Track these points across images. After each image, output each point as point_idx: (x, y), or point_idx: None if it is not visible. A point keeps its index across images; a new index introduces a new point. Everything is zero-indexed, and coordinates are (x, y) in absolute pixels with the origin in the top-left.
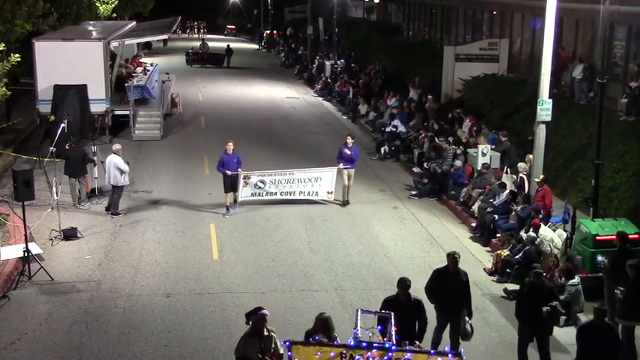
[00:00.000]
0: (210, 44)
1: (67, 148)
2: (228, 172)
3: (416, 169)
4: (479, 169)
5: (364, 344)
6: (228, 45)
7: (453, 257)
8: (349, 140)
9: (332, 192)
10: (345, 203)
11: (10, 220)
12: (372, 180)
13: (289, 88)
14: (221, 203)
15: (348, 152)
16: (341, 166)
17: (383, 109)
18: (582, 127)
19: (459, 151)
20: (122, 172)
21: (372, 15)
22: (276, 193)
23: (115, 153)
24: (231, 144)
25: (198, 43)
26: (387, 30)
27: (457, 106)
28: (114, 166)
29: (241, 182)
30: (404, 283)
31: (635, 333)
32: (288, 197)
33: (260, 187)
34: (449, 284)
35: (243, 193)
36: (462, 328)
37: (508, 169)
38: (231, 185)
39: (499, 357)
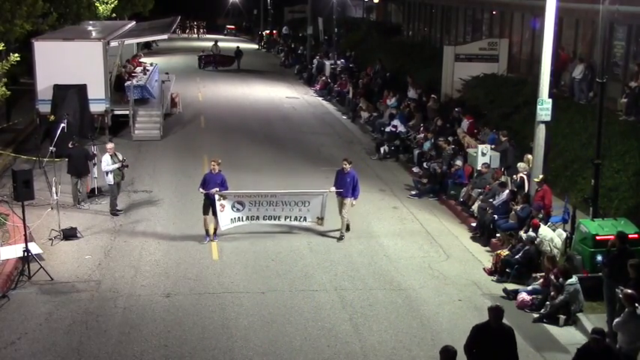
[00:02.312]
0: (210, 44)
1: (69, 146)
2: (202, 191)
3: (415, 169)
4: (479, 169)
5: None
6: (238, 47)
7: (495, 311)
8: (345, 166)
9: (322, 218)
10: (340, 238)
11: (9, 220)
12: (371, 180)
13: (289, 88)
14: None
15: (344, 179)
16: (332, 189)
17: (382, 109)
18: (582, 127)
19: (450, 150)
20: (103, 170)
21: (372, 15)
22: (257, 217)
23: (106, 151)
24: (215, 164)
25: (198, 44)
26: (387, 30)
27: (456, 106)
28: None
29: (218, 206)
30: (448, 353)
31: None
32: (273, 222)
33: (239, 210)
34: (490, 343)
35: (223, 220)
36: None
37: (505, 170)
38: (210, 205)
39: None
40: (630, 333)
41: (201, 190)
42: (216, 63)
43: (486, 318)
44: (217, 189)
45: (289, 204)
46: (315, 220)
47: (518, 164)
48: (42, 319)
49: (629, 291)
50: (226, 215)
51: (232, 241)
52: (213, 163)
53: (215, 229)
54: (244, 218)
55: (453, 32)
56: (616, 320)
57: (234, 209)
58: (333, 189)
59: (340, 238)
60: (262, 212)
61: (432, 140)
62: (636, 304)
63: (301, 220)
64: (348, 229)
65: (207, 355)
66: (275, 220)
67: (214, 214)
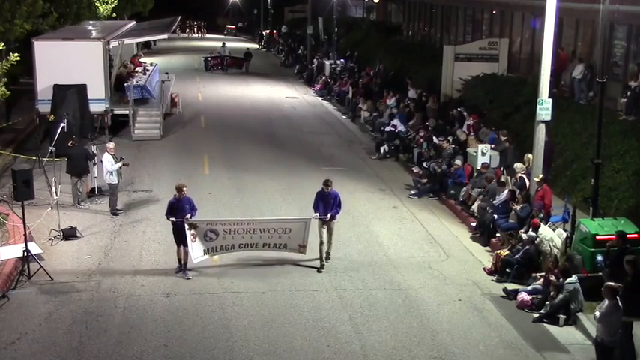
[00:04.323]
0: (210, 44)
1: (69, 145)
2: (171, 219)
3: (415, 169)
4: (479, 168)
5: None
6: (248, 49)
7: None
8: (327, 190)
9: (304, 245)
10: (321, 267)
11: (9, 219)
12: (371, 180)
13: (289, 87)
14: (222, 203)
15: (327, 201)
16: (315, 216)
17: (382, 109)
18: (582, 127)
19: (450, 150)
20: (108, 170)
21: (372, 15)
22: (233, 246)
23: (107, 151)
24: (182, 192)
25: (198, 43)
26: (387, 30)
27: (458, 105)
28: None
29: (188, 236)
30: None
31: (633, 330)
32: (251, 250)
33: (211, 239)
34: None
35: (195, 252)
36: None
37: (505, 170)
38: (180, 236)
39: (499, 357)
40: (611, 325)
41: (172, 218)
42: (226, 65)
43: (487, 319)
44: (189, 216)
45: (268, 231)
46: (296, 247)
47: (515, 165)
48: (42, 319)
49: (611, 283)
50: (198, 246)
51: None
52: (180, 188)
53: (185, 263)
54: (218, 248)
55: (453, 32)
56: (597, 312)
57: (207, 239)
58: (316, 215)
59: (321, 268)
60: (238, 240)
61: (425, 142)
62: (617, 297)
63: (281, 247)
64: (328, 257)
65: (207, 355)
66: (252, 248)
67: (185, 244)
